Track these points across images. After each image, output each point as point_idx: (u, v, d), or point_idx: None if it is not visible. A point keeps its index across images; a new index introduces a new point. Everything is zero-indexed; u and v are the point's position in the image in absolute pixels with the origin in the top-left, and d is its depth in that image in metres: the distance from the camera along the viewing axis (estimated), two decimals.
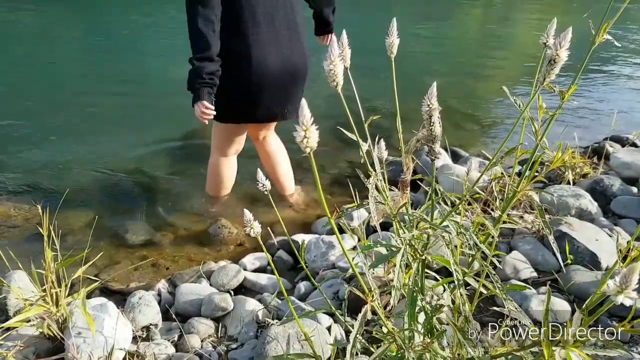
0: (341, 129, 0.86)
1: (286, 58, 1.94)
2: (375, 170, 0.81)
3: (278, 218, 2.34)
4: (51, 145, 3.17)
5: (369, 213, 0.77)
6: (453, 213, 0.85)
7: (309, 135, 0.57)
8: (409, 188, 0.87)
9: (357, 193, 2.27)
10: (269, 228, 2.20)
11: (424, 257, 0.86)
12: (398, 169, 2.54)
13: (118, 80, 4.51)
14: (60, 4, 8.45)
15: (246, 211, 0.85)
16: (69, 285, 1.48)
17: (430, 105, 0.81)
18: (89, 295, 1.62)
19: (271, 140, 2.43)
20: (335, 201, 2.58)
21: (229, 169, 2.38)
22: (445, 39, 6.78)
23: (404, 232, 0.84)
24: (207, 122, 1.83)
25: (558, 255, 0.82)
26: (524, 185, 0.90)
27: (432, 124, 0.82)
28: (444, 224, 0.89)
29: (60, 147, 3.15)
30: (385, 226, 2.06)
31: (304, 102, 0.57)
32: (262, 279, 1.84)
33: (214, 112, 1.81)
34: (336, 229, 0.77)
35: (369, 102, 3.79)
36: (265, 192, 0.95)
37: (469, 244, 0.92)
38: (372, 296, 0.75)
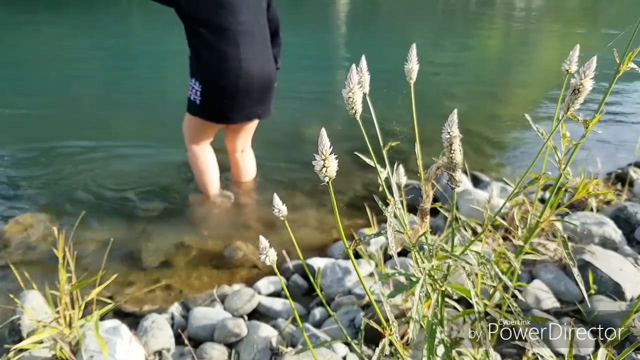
0: (360, 155, 0.85)
1: (264, 69, 2.32)
2: (393, 198, 0.79)
3: (294, 242, 2.32)
4: (68, 163, 3.21)
5: (388, 241, 0.75)
6: (473, 241, 0.82)
7: (328, 164, 0.55)
8: (428, 216, 0.85)
9: (374, 217, 2.25)
10: (284, 251, 2.18)
11: (443, 289, 0.84)
12: (417, 194, 2.52)
13: (135, 96, 4.59)
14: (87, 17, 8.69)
15: (262, 238, 0.83)
16: (82, 307, 1.47)
17: (451, 133, 0.79)
18: (102, 318, 1.61)
19: (247, 155, 2.82)
20: (351, 224, 2.56)
21: (207, 154, 2.63)
22: (463, 60, 6.77)
23: (424, 262, 0.81)
24: None
25: (581, 285, 0.79)
26: (548, 215, 0.87)
27: (452, 151, 0.80)
28: (465, 253, 0.87)
29: (77, 165, 3.19)
30: (403, 251, 2.02)
31: (323, 131, 0.56)
32: (277, 304, 1.81)
33: None
34: (354, 260, 0.74)
35: (385, 124, 3.78)
36: (282, 218, 0.93)
37: (490, 275, 0.89)
38: (390, 330, 0.72)
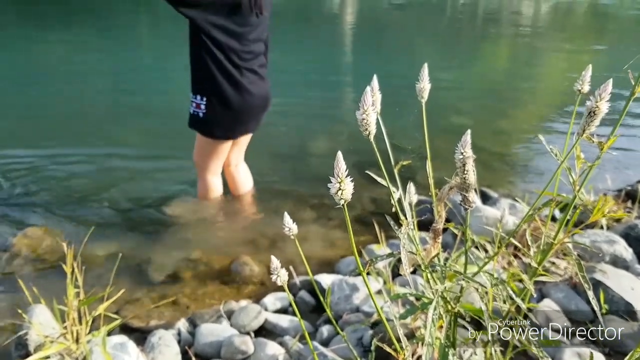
0: (372, 174, 0.85)
1: (265, 89, 2.45)
2: (406, 218, 0.78)
3: (302, 259, 2.31)
4: (75, 176, 3.24)
5: (401, 263, 0.74)
6: (484, 259, 0.81)
7: (344, 187, 0.55)
8: (441, 237, 0.84)
9: (382, 233, 2.24)
10: (291, 267, 2.17)
11: (456, 310, 0.82)
12: (426, 210, 2.51)
13: (143, 110, 4.62)
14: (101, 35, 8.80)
15: (273, 258, 0.82)
16: (90, 323, 1.47)
17: (464, 154, 0.79)
18: (109, 333, 1.60)
19: (242, 168, 2.85)
20: (359, 240, 2.54)
21: (219, 188, 2.75)
22: (469, 74, 6.79)
23: (436, 284, 0.81)
24: None
25: (596, 306, 0.78)
26: (562, 237, 0.86)
27: (466, 172, 0.79)
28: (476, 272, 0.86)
29: (85, 178, 3.21)
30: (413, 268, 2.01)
31: (339, 155, 0.56)
32: (284, 321, 1.80)
33: None
34: (368, 282, 0.73)
35: (393, 138, 3.79)
36: (292, 237, 0.93)
37: (503, 296, 0.87)
38: (404, 354, 0.71)
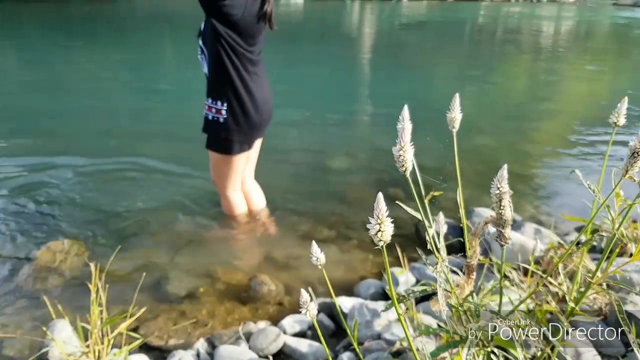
0: (402, 204, 0.83)
1: (270, 97, 2.48)
2: (440, 255, 0.76)
3: (322, 281, 2.28)
4: (98, 188, 3.28)
5: (436, 297, 0.72)
6: (523, 301, 0.78)
7: (384, 229, 0.54)
8: (474, 273, 0.82)
9: (404, 257, 2.20)
10: (310, 288, 2.15)
11: (490, 349, 0.80)
12: (449, 232, 2.47)
13: (165, 126, 4.67)
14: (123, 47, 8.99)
15: (303, 291, 0.81)
16: (112, 342, 1.46)
17: (501, 189, 0.77)
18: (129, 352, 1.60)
19: (253, 183, 2.87)
20: (379, 261, 2.51)
21: (242, 202, 2.78)
22: (490, 93, 6.74)
23: (470, 321, 0.78)
24: None
25: (632, 341, 0.74)
26: (599, 277, 0.83)
27: (502, 207, 0.77)
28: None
29: (108, 191, 3.24)
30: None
31: (380, 196, 0.55)
32: (303, 345, 1.77)
33: None
34: (405, 324, 0.72)
35: (416, 157, 3.76)
36: (320, 267, 0.92)
37: (537, 335, 0.84)
38: None
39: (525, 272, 1.91)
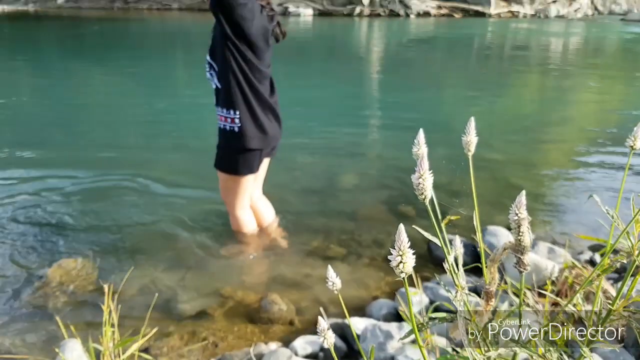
0: (421, 231, 0.82)
1: (279, 111, 2.49)
2: (460, 281, 0.75)
3: (332, 301, 2.25)
4: (111, 205, 3.29)
5: (457, 326, 0.71)
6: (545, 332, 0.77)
7: (405, 260, 0.53)
8: (494, 300, 0.81)
9: (417, 277, 2.17)
10: (321, 308, 2.14)
11: None
12: (464, 252, 2.44)
13: (179, 146, 4.70)
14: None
15: (320, 319, 0.80)
16: None
17: (519, 215, 0.76)
18: None
19: (262, 199, 2.88)
20: (390, 280, 2.49)
21: (252, 220, 2.77)
22: (499, 110, 6.74)
23: (488, 349, 0.77)
24: None
25: None
26: (621, 303, 0.81)
27: (521, 233, 0.77)
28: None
29: (119, 208, 3.26)
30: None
31: (401, 227, 0.54)
32: None
33: None
34: (423, 349, 0.70)
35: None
36: (336, 292, 0.91)
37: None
38: None
39: (540, 291, 1.88)
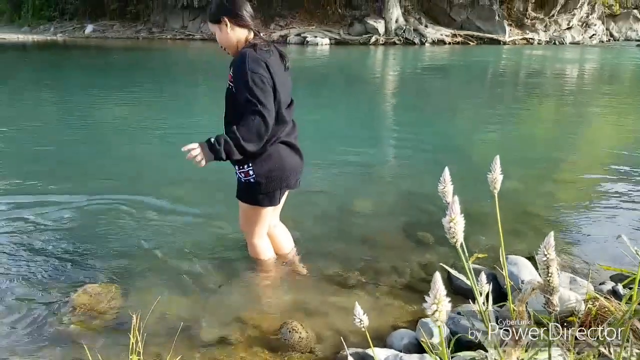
0: (452, 271, 0.84)
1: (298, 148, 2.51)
2: (490, 326, 0.77)
3: (355, 331, 2.24)
4: (132, 231, 3.34)
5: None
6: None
7: (441, 309, 0.55)
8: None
9: None
10: (341, 338, 2.13)
11: None
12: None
13: (200, 173, 4.75)
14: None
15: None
16: None
17: (548, 256, 0.78)
18: None
19: (280, 227, 2.90)
20: (410, 309, 2.48)
21: (270, 246, 2.81)
22: (516, 137, 6.72)
23: None
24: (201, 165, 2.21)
25: None
26: None
27: (550, 274, 0.78)
28: None
29: (142, 232, 3.31)
30: (466, 344, 1.93)
31: (437, 275, 0.57)
32: None
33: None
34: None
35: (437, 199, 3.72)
36: (363, 329, 0.93)
37: None
38: None
39: (563, 322, 1.86)
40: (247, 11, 2.30)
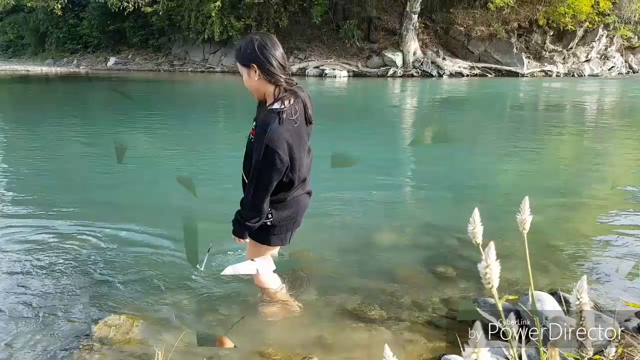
0: (484, 314, 0.85)
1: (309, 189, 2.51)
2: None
3: None
4: (152, 261, 3.37)
5: None
6: None
7: (480, 358, 0.56)
8: None
9: (459, 338, 2.11)
10: None
11: None
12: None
13: (218, 202, 4.79)
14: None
15: None
16: None
17: (581, 300, 0.78)
18: None
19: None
20: (432, 346, 2.43)
21: (275, 279, 2.77)
22: (536, 170, 6.66)
23: None
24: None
25: None
26: None
27: (582, 319, 0.78)
28: None
29: (160, 263, 3.33)
30: None
31: (478, 325, 0.57)
32: None
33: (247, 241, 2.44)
34: None
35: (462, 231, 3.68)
36: None
37: None
38: None
39: None
40: (278, 60, 2.14)
